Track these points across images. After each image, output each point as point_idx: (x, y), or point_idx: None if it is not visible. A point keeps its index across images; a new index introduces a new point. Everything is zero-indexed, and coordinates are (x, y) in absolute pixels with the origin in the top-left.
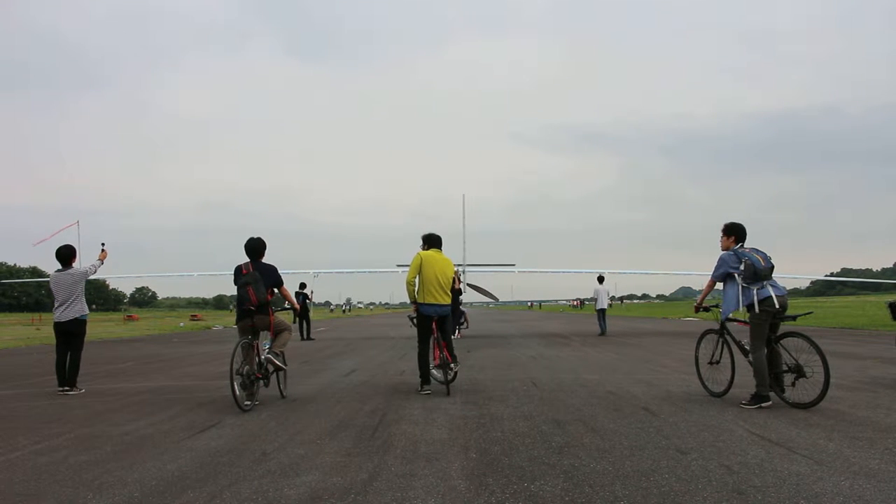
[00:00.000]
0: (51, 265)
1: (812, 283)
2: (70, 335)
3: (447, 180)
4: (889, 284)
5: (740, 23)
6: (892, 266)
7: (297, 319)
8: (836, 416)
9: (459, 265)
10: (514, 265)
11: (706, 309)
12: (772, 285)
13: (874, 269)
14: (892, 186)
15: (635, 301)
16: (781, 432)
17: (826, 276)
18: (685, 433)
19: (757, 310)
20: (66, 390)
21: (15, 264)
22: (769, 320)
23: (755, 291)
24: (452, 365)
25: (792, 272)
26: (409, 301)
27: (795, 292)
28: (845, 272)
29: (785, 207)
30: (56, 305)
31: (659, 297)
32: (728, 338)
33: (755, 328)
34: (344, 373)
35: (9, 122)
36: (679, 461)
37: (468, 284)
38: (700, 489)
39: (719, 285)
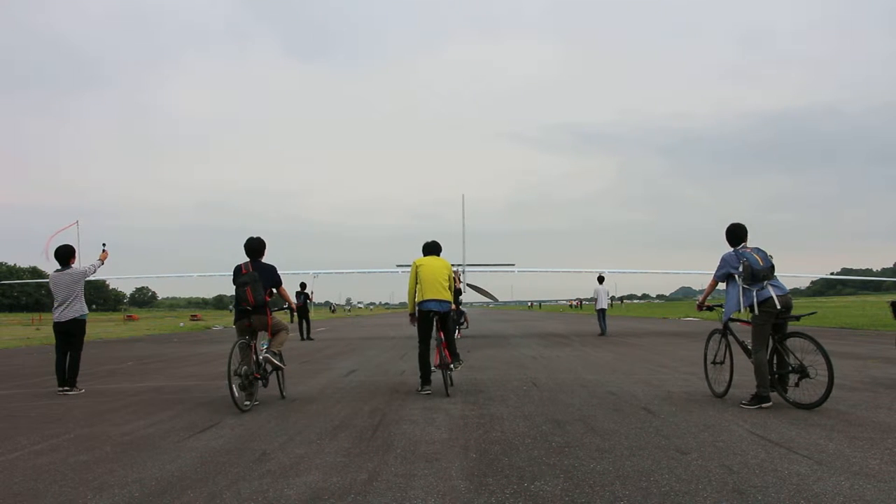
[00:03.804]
0: (50, 265)
1: (812, 282)
2: (69, 335)
3: (447, 180)
4: (890, 283)
5: (740, 23)
6: (892, 266)
7: (298, 319)
8: (836, 416)
9: (459, 265)
10: (513, 265)
11: (709, 308)
12: (773, 285)
13: (874, 269)
14: (892, 186)
15: (635, 301)
16: (781, 432)
17: (827, 275)
18: (685, 433)
19: (757, 311)
20: (66, 390)
21: (15, 264)
22: (771, 321)
23: (755, 292)
24: (454, 364)
25: (792, 272)
26: (409, 308)
27: (796, 292)
28: (845, 272)
29: (785, 207)
30: (55, 305)
31: (659, 297)
32: (731, 338)
33: (756, 329)
34: (344, 373)
35: (9, 122)
36: (679, 461)
37: (468, 284)
38: (700, 489)
39: (722, 285)
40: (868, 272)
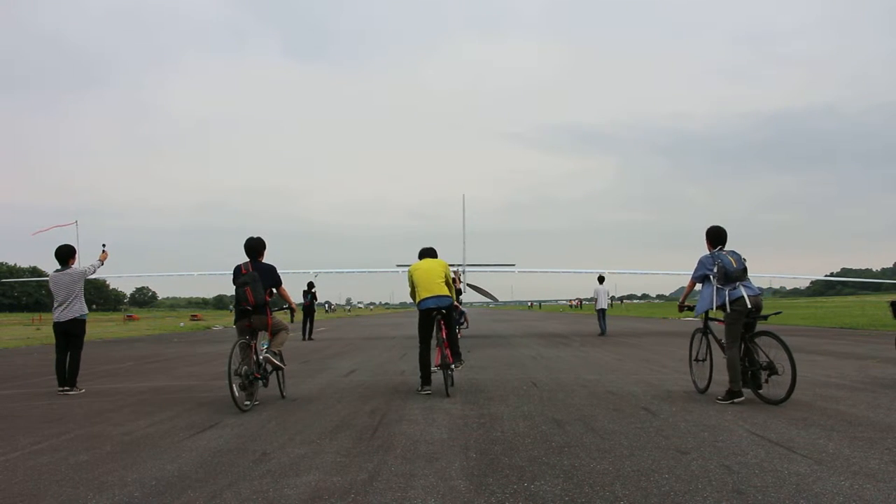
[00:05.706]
0: (50, 264)
1: (812, 283)
2: (69, 335)
3: (447, 180)
4: (889, 284)
5: (740, 23)
6: (892, 266)
7: (303, 318)
8: (836, 416)
9: (459, 265)
10: (513, 265)
11: (689, 308)
12: (745, 286)
13: (874, 269)
14: (892, 186)
15: (635, 301)
16: (781, 432)
17: (826, 276)
18: (685, 433)
19: (728, 309)
20: (66, 390)
21: (15, 264)
22: (741, 319)
23: (727, 292)
24: (455, 364)
25: (792, 272)
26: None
27: (795, 292)
28: (845, 272)
29: (784, 207)
30: (55, 305)
31: (659, 297)
32: (711, 336)
33: (728, 327)
34: (344, 373)
35: (9, 122)
36: (679, 461)
37: (468, 284)
38: (700, 489)
39: (699, 285)
40: (867, 272)
